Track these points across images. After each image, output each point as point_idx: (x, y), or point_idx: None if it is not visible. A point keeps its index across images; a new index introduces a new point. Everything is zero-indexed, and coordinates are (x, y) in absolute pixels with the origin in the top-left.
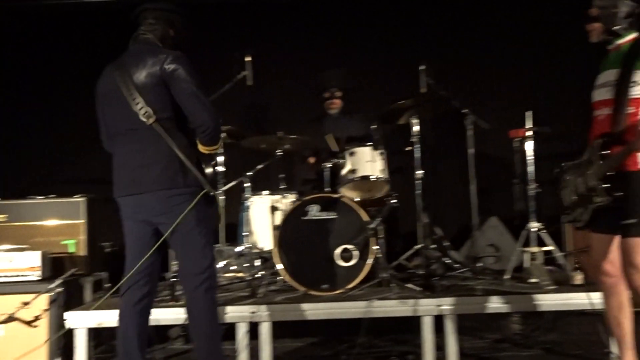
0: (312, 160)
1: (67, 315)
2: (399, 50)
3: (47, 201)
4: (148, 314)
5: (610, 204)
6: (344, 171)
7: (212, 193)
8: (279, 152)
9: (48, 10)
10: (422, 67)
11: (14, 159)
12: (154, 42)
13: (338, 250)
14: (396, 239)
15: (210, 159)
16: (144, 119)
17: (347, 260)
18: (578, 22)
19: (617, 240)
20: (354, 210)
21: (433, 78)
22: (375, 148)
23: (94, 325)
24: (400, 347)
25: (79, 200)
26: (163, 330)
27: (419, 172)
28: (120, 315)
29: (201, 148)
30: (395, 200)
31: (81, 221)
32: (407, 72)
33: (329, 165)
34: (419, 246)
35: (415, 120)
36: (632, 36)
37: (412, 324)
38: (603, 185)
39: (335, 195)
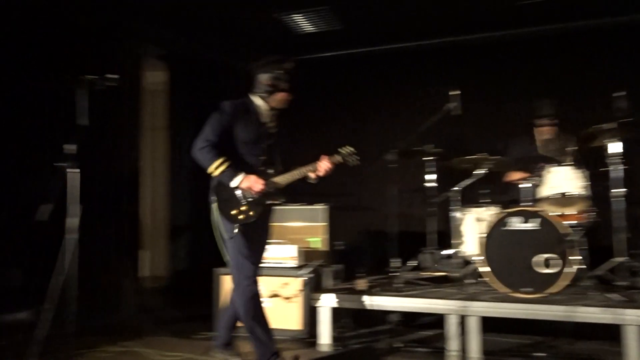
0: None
1: (320, 295)
2: (594, 80)
3: (295, 208)
4: None
5: None
6: (543, 187)
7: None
8: (483, 170)
9: None
10: (618, 94)
11: None
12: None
13: (538, 258)
14: (593, 251)
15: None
16: None
17: (548, 267)
18: None
19: None
20: (553, 223)
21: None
22: (577, 167)
23: (335, 305)
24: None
25: (321, 207)
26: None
27: (621, 190)
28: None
29: None
30: (595, 214)
31: (323, 224)
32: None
33: (529, 182)
34: (620, 259)
35: (611, 143)
36: None
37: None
38: None
39: (535, 209)
